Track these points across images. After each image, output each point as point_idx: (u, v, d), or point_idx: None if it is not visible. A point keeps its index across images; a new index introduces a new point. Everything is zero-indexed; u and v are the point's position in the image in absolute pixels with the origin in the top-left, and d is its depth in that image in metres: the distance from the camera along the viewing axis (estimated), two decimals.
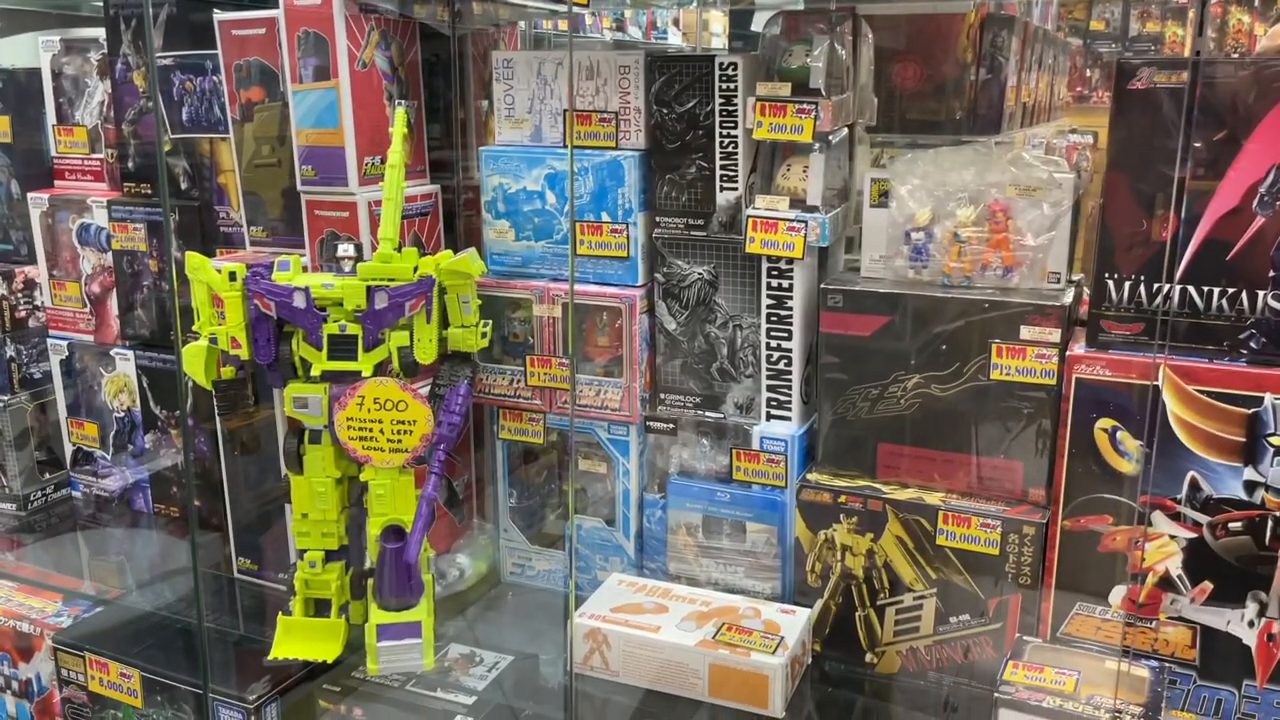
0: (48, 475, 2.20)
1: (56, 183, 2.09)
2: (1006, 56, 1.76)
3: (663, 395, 1.71)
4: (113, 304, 2.01)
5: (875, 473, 1.57)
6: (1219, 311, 1.35)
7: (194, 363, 1.56)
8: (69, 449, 2.13)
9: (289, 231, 1.76)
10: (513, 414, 1.79)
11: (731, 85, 1.56)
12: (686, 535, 1.70)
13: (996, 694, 1.35)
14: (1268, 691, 1.37)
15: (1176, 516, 1.37)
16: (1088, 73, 2.57)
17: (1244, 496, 1.34)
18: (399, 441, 1.48)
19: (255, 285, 1.50)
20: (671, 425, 1.70)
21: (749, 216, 1.56)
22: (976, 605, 1.50)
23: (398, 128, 1.59)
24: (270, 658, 1.57)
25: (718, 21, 3.87)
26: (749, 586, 1.67)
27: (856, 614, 1.57)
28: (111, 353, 2.01)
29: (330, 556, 1.58)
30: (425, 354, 1.53)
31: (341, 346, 1.51)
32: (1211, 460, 1.34)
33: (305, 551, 1.57)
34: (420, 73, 1.78)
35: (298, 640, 1.58)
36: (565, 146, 1.67)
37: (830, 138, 1.54)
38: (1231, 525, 1.35)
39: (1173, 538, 1.38)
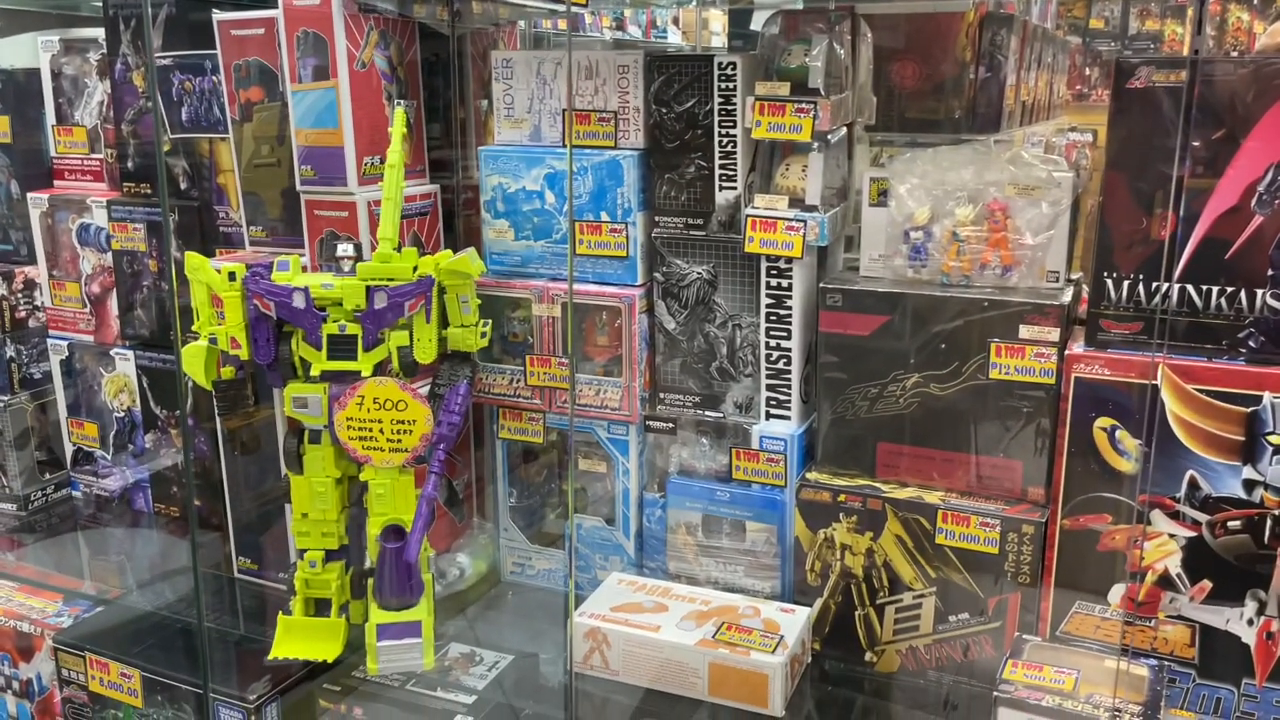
0: (48, 475, 2.21)
1: (56, 183, 2.09)
2: (1005, 55, 1.76)
3: (662, 395, 1.71)
4: (113, 304, 2.01)
5: (875, 472, 1.57)
6: (1218, 310, 1.35)
7: (194, 363, 1.56)
8: (69, 449, 2.13)
9: (288, 231, 1.76)
10: (512, 413, 1.79)
11: (730, 85, 1.56)
12: (686, 534, 1.70)
13: (996, 693, 1.35)
14: (1267, 690, 1.37)
15: (1175, 515, 1.38)
16: (1087, 71, 2.57)
17: (1243, 495, 1.34)
18: (399, 441, 1.48)
19: (255, 285, 1.50)
20: (671, 425, 1.70)
21: (748, 216, 1.56)
22: (976, 604, 1.50)
23: (397, 127, 1.59)
24: (270, 657, 1.57)
25: (717, 20, 3.87)
26: (749, 586, 1.67)
27: (856, 613, 1.57)
28: (111, 353, 2.01)
29: (330, 556, 1.59)
30: (425, 354, 1.54)
31: (341, 346, 1.51)
32: (1210, 459, 1.34)
33: (305, 551, 1.58)
34: (419, 72, 1.78)
35: (298, 640, 1.59)
36: (564, 146, 1.67)
37: (829, 137, 1.54)
38: (1230, 524, 1.35)
39: (1172, 536, 1.38)
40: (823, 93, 1.51)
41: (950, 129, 1.76)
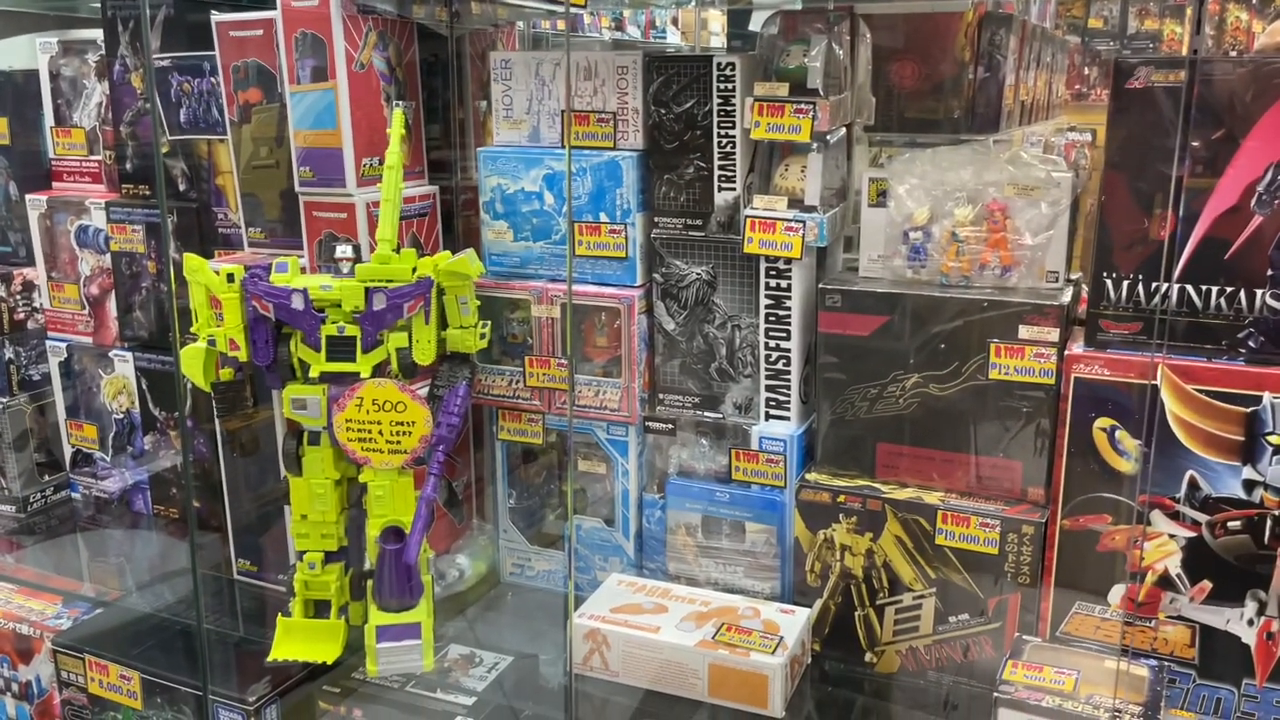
0: (47, 477, 2.20)
1: (54, 184, 2.08)
2: (1004, 55, 1.76)
3: (661, 395, 1.71)
4: (111, 306, 2.01)
5: (874, 472, 1.57)
6: (1217, 310, 1.35)
7: (192, 364, 1.56)
8: (68, 451, 2.13)
9: (287, 233, 1.76)
10: (512, 414, 1.79)
11: (729, 85, 1.56)
12: (686, 535, 1.70)
13: (996, 693, 1.35)
14: (1267, 690, 1.37)
15: (1175, 515, 1.37)
16: (1086, 70, 2.57)
17: (1243, 495, 1.34)
18: (398, 443, 1.48)
19: (253, 287, 1.50)
20: (670, 425, 1.70)
21: (747, 216, 1.56)
22: (976, 605, 1.50)
23: (395, 128, 1.59)
24: (270, 659, 1.57)
25: (716, 21, 3.87)
26: (748, 586, 1.67)
27: (856, 614, 1.57)
28: (110, 354, 2.01)
29: (330, 558, 1.58)
30: (424, 355, 1.53)
31: (340, 348, 1.51)
32: (1210, 459, 1.34)
33: (305, 553, 1.58)
34: (418, 73, 1.78)
35: (297, 641, 1.59)
36: (563, 147, 1.67)
37: (828, 137, 1.54)
38: (1230, 524, 1.35)
39: (1172, 537, 1.38)
40: (821, 93, 1.51)
41: (949, 129, 1.76)
